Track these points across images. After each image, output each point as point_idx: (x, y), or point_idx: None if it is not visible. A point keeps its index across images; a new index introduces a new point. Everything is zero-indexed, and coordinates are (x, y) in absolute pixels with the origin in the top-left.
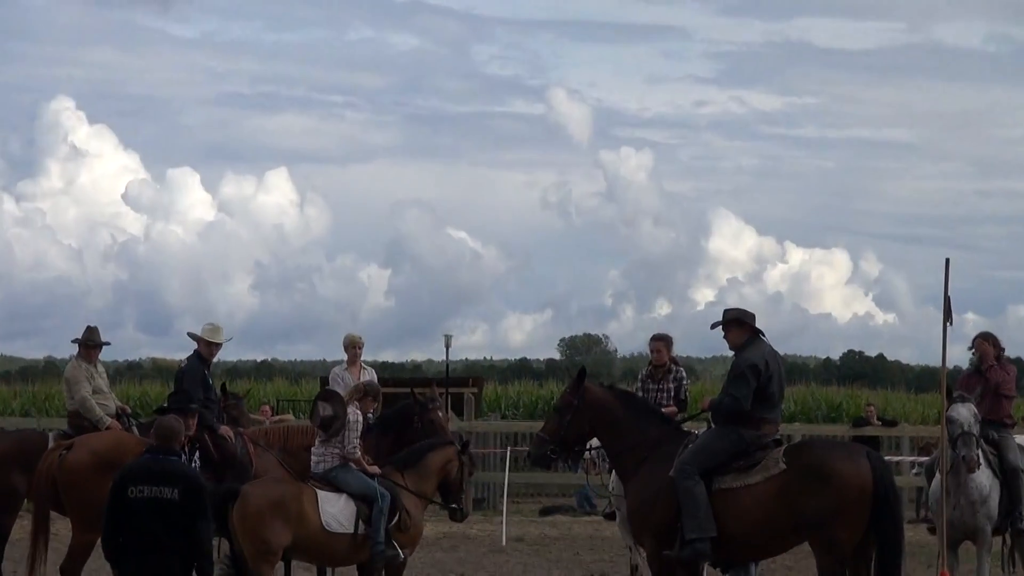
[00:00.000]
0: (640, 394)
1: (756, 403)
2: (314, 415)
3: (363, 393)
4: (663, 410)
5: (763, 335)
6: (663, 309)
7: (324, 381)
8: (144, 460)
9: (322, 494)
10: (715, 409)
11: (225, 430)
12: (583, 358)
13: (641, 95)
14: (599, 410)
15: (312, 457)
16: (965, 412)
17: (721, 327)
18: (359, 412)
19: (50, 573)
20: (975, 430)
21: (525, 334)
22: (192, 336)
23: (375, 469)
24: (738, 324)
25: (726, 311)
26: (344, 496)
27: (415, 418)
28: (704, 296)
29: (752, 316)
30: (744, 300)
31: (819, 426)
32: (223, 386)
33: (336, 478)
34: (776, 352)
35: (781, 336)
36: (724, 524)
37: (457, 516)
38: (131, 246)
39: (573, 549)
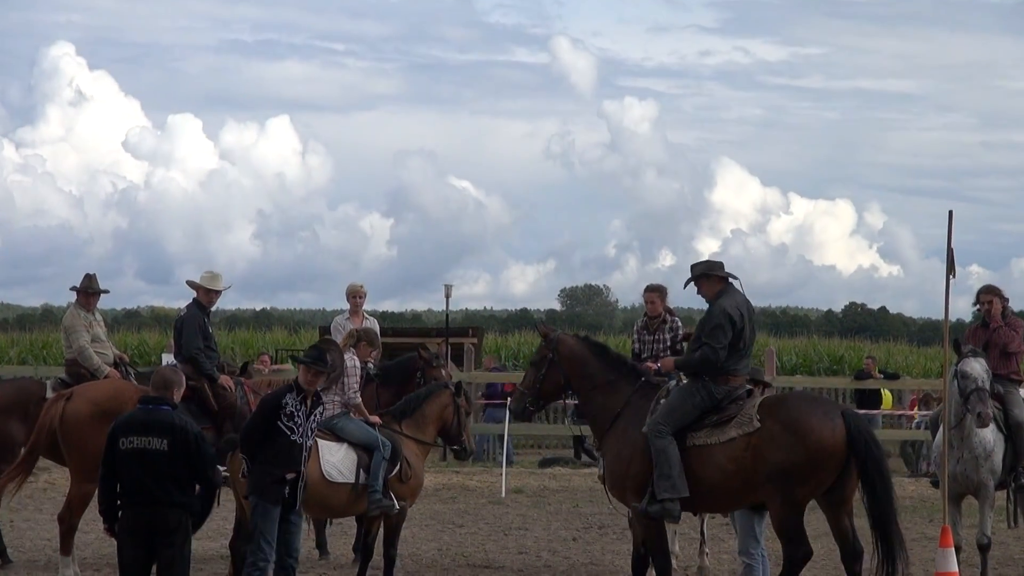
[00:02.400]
0: (636, 345)
1: (728, 354)
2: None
3: (357, 339)
4: (648, 364)
5: (735, 280)
6: (666, 260)
7: (325, 330)
8: (136, 411)
9: (322, 443)
10: (688, 364)
11: (225, 379)
12: (583, 309)
13: (645, 45)
14: (573, 362)
15: None
16: (979, 368)
17: (693, 283)
18: (356, 359)
19: (47, 522)
20: (987, 385)
21: (527, 284)
22: (191, 284)
23: (375, 419)
24: (706, 277)
25: (692, 266)
26: (345, 445)
27: (418, 374)
28: (708, 247)
29: (719, 265)
30: (748, 251)
31: (821, 379)
32: (245, 365)
33: (336, 426)
34: (749, 301)
35: (785, 288)
36: (698, 479)
37: (463, 455)
38: (131, 194)
39: (572, 501)
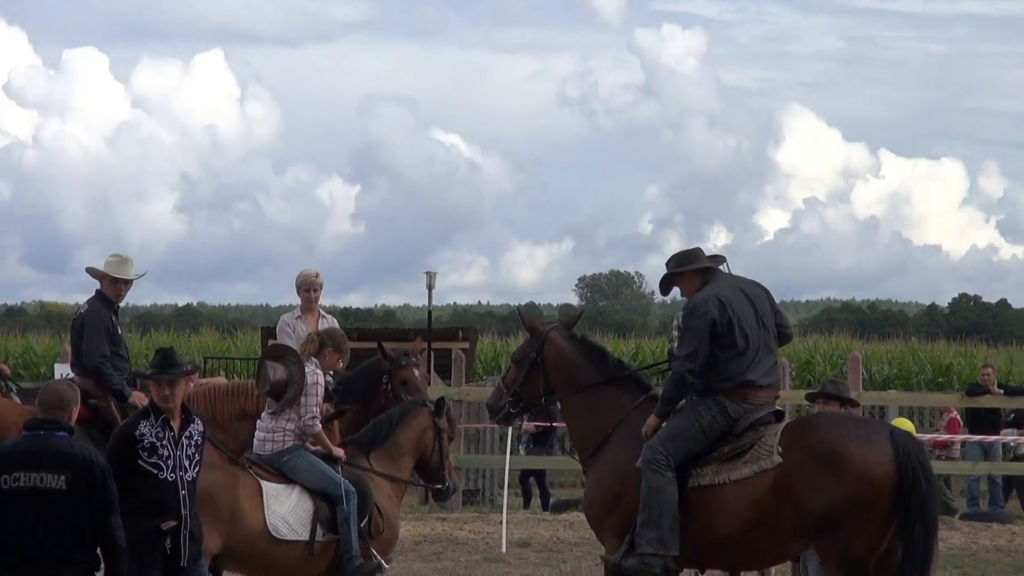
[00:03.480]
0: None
1: (729, 362)
2: (261, 379)
3: (320, 345)
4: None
5: (723, 263)
6: (719, 239)
7: (269, 333)
8: (20, 439)
9: (268, 486)
10: (662, 403)
11: (139, 397)
12: (609, 303)
13: None
14: (558, 368)
15: (256, 433)
16: None
17: (674, 287)
18: (319, 372)
19: None
20: None
21: (535, 271)
22: (93, 272)
23: (340, 452)
24: (679, 274)
25: (667, 263)
26: (297, 490)
27: (384, 379)
28: (773, 222)
29: (694, 255)
30: (826, 228)
31: (921, 394)
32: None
33: (288, 465)
34: (742, 283)
35: (875, 275)
36: (707, 529)
37: (443, 496)
38: (14, 153)
39: (594, 556)
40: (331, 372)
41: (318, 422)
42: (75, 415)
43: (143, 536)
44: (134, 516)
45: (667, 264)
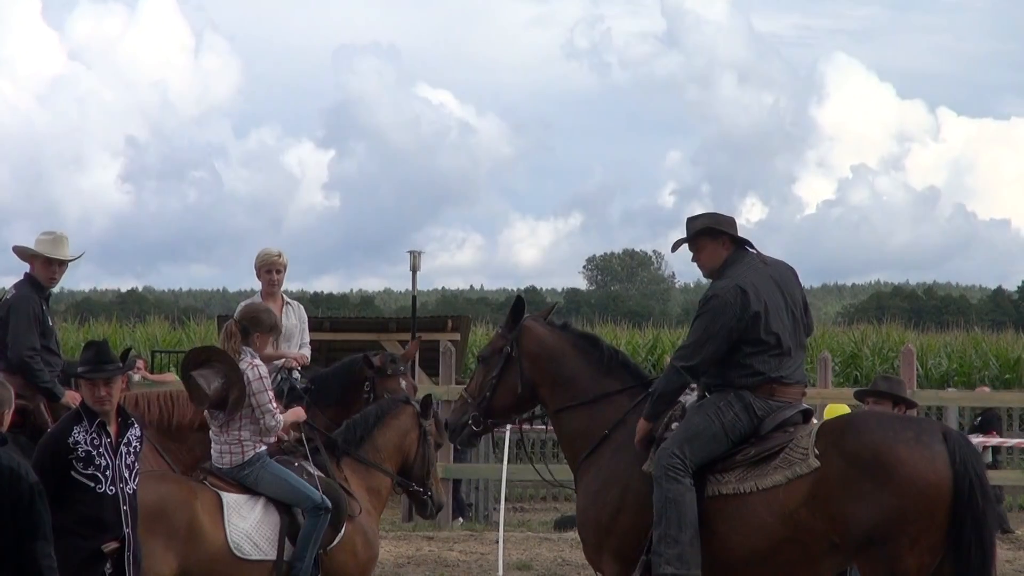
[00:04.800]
0: None
1: (753, 357)
2: (196, 394)
3: (243, 332)
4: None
5: (751, 248)
6: (753, 212)
7: (224, 321)
8: None
9: (229, 498)
10: (655, 399)
11: (72, 396)
12: (622, 287)
13: None
14: (541, 361)
15: (212, 447)
16: None
17: (688, 246)
18: (258, 362)
19: None
20: None
21: (538, 251)
22: (22, 252)
23: (299, 412)
24: (711, 235)
25: (690, 220)
26: (262, 502)
27: (365, 386)
28: (815, 192)
29: (730, 221)
30: (878, 199)
31: (986, 393)
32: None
33: (250, 477)
34: (771, 267)
35: (934, 254)
36: (724, 544)
37: (427, 510)
38: None
39: None
40: (298, 368)
41: (279, 415)
42: (7, 420)
43: (80, 561)
44: (69, 537)
45: (697, 220)
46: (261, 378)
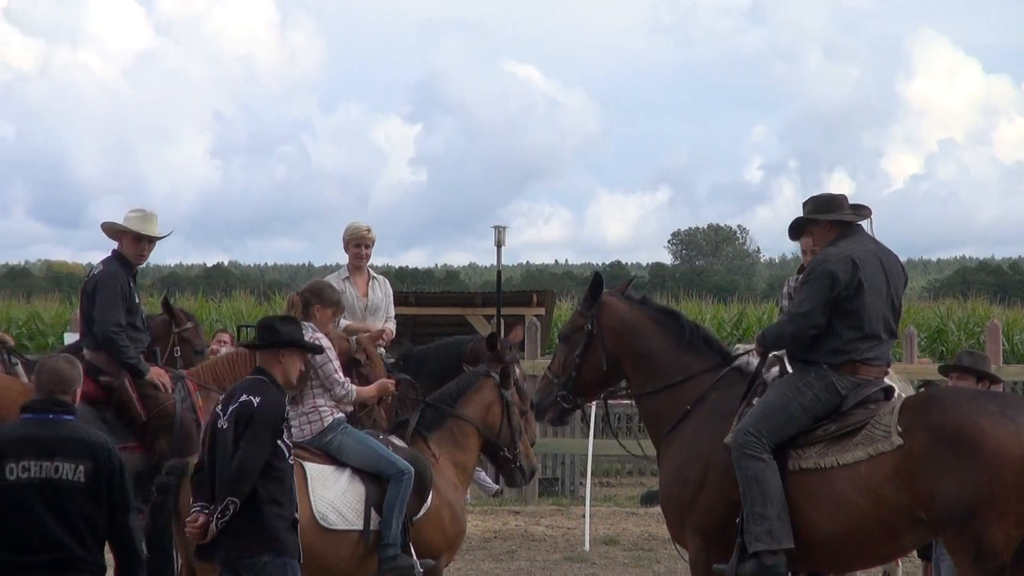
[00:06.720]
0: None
1: (844, 331)
2: None
3: (304, 305)
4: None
5: (868, 217)
6: (840, 188)
7: None
8: (23, 422)
9: (312, 468)
10: (766, 336)
11: (157, 372)
12: (708, 262)
13: None
14: (622, 337)
15: (292, 425)
16: None
17: (800, 233)
18: (320, 335)
19: None
20: None
21: (625, 226)
22: (110, 228)
23: (388, 382)
24: (815, 222)
25: (804, 204)
26: (347, 472)
27: (480, 368)
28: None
29: (835, 202)
30: (966, 173)
31: None
32: (165, 300)
33: (333, 444)
34: (881, 249)
35: (1020, 230)
36: (809, 522)
37: (517, 480)
38: (17, 88)
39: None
40: (382, 344)
41: (349, 385)
42: (78, 396)
43: (285, 529)
44: (273, 506)
45: (804, 205)
46: (326, 350)
